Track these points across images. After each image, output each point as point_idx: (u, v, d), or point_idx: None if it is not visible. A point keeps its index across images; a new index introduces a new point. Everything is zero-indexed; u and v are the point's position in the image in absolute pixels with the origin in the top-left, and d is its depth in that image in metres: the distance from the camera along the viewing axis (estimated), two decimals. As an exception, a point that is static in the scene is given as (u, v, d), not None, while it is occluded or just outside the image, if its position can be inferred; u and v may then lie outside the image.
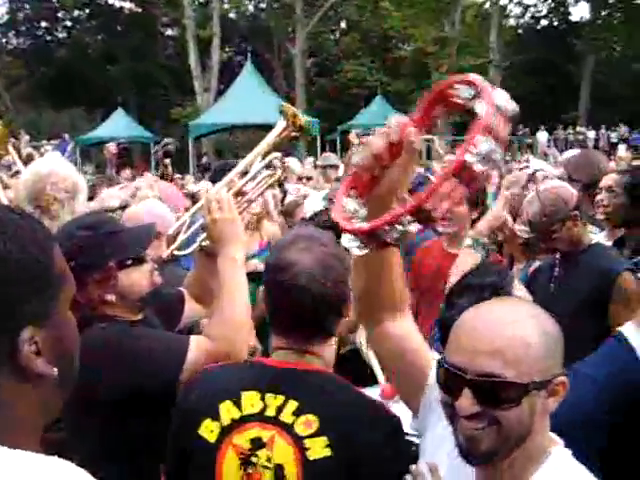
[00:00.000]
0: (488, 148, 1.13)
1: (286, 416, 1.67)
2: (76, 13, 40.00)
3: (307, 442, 1.64)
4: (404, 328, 1.67)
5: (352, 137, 7.29)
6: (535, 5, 37.88)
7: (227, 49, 38.20)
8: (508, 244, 3.87)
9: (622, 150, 19.77)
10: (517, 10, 37.43)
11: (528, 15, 38.10)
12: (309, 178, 6.61)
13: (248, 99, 21.84)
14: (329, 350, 1.83)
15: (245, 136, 28.48)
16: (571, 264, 3.20)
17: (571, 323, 3.11)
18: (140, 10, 38.87)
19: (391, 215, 1.22)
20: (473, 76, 1.31)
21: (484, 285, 1.92)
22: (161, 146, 7.46)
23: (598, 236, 3.48)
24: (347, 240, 1.31)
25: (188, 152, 22.70)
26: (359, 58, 34.70)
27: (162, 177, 7.55)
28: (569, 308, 2.96)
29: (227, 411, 1.71)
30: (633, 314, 2.04)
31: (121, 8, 39.99)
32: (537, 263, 3.64)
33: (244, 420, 1.70)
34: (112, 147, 11.83)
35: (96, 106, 32.59)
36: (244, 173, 2.64)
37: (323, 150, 19.96)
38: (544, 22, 39.01)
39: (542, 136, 26.52)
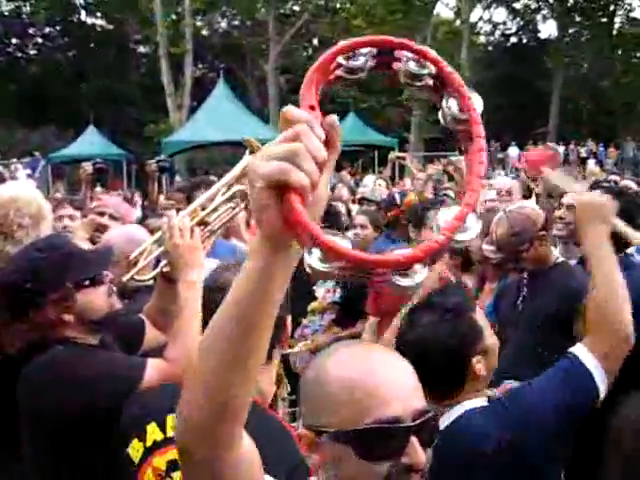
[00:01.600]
0: (474, 232, 1.03)
1: None
2: (47, 30, 39.75)
3: None
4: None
5: None
6: (504, 23, 38.52)
7: (200, 66, 38.21)
8: (480, 264, 3.90)
9: (592, 165, 20.09)
10: (487, 27, 38.03)
11: (498, 33, 38.71)
12: None
13: (221, 116, 21.86)
14: (266, 375, 1.84)
15: (219, 153, 28.44)
16: (538, 282, 3.25)
17: (538, 340, 3.16)
18: (112, 27, 38.77)
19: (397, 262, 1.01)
20: (420, 46, 1.14)
21: (447, 306, 1.99)
22: (155, 161, 7.37)
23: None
24: (316, 259, 1.00)
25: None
26: (332, 75, 34.85)
27: (146, 195, 7.44)
28: (536, 325, 3.00)
29: (152, 432, 1.77)
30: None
31: (93, 25, 39.85)
32: (508, 281, 3.68)
33: (166, 442, 1.74)
34: (88, 166, 11.57)
35: (68, 124, 32.35)
36: (208, 203, 2.67)
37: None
38: (514, 39, 39.65)
39: (513, 151, 26.84)
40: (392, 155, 9.39)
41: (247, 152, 2.73)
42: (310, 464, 1.22)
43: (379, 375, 1.19)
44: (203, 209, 2.65)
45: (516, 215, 3.24)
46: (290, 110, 0.91)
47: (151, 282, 2.69)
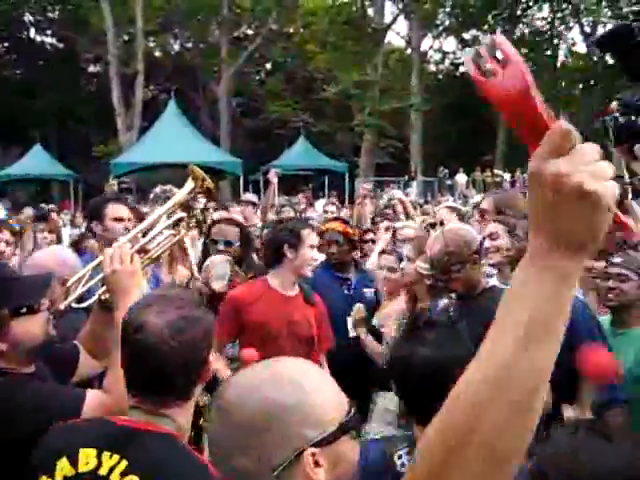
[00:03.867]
0: None
1: (115, 476, 1.67)
2: (-5, 46, 39.09)
3: None
4: None
5: (271, 176, 7.26)
6: (454, 52, 39.41)
7: (152, 87, 37.98)
8: (414, 283, 3.94)
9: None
10: (437, 56, 38.87)
11: (447, 61, 39.56)
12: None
13: (171, 138, 21.76)
14: (184, 413, 1.83)
15: (169, 174, 28.20)
16: (465, 307, 3.28)
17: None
18: (62, 46, 38.30)
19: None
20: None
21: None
22: (117, 182, 7.28)
23: (492, 279, 3.56)
24: None
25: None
26: (284, 99, 35.13)
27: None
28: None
29: (61, 469, 1.70)
30: None
31: (42, 43, 39.31)
32: (442, 303, 3.70)
33: (77, 478, 1.68)
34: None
35: (14, 142, 31.68)
36: (149, 230, 2.67)
37: (246, 190, 20.00)
38: (462, 69, 40.56)
39: (461, 178, 27.35)
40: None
41: (189, 179, 2.75)
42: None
43: (318, 372, 1.31)
44: (144, 236, 2.64)
45: (452, 235, 3.30)
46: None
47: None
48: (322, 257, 4.80)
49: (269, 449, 1.16)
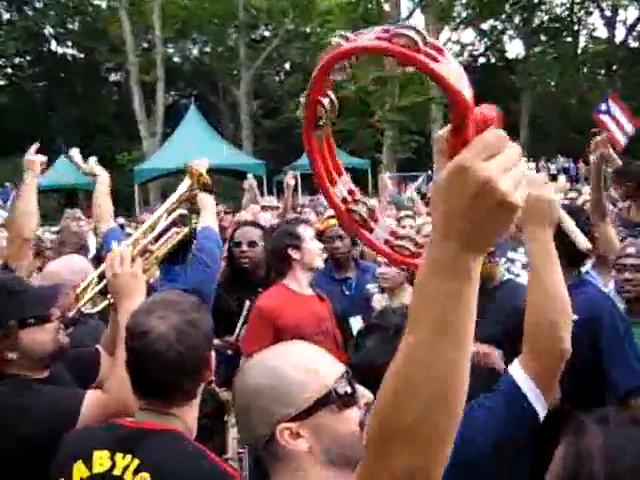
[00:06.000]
0: None
1: (128, 475, 1.73)
2: (17, 60, 39.60)
3: None
4: None
5: (288, 179, 7.27)
6: (472, 44, 39.14)
7: (172, 93, 38.25)
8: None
9: (562, 180, 20.34)
10: (456, 48, 38.59)
11: (466, 53, 39.28)
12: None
13: (193, 143, 21.84)
14: (190, 411, 1.90)
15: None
16: (484, 301, 3.24)
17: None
18: (83, 56, 38.73)
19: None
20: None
21: (388, 326, 2.08)
22: None
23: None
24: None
25: (134, 198, 22.49)
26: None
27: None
28: (485, 342, 2.98)
29: (78, 471, 1.77)
30: None
31: (64, 55, 39.80)
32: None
33: (93, 479, 1.75)
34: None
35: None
36: (150, 230, 2.72)
37: (270, 192, 20.04)
38: (482, 60, 40.29)
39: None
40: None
41: (186, 177, 2.80)
42: (296, 452, 1.37)
43: (312, 351, 1.47)
44: (146, 237, 2.69)
45: None
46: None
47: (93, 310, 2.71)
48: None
49: (254, 425, 1.39)
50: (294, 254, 3.87)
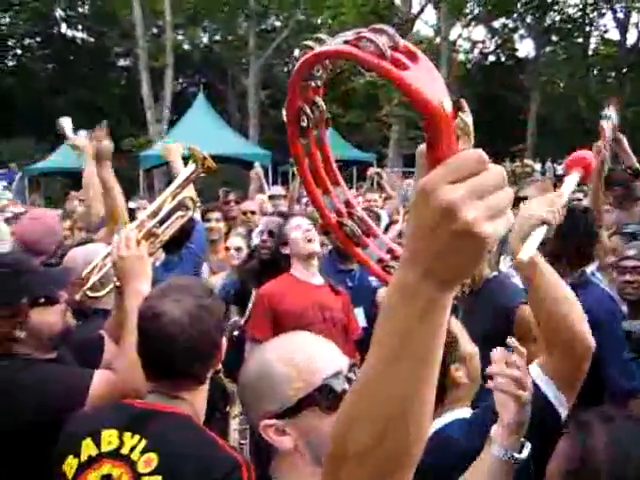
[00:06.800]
0: None
1: (135, 454, 1.76)
2: (27, 41, 39.52)
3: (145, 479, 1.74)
4: None
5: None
6: (483, 42, 38.96)
7: (181, 80, 38.16)
8: None
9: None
10: (466, 45, 38.45)
11: (476, 51, 39.13)
12: (252, 212, 6.51)
13: (200, 130, 21.78)
14: (199, 396, 1.93)
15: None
16: (471, 299, 3.23)
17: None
18: (92, 40, 38.64)
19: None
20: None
21: None
22: None
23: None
24: None
25: (139, 183, 22.49)
26: (312, 90, 34.98)
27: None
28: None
29: (86, 448, 1.80)
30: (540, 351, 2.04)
31: (73, 38, 39.69)
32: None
33: (101, 457, 1.78)
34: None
35: (45, 136, 32.09)
36: (155, 214, 2.74)
37: (275, 182, 20.03)
38: (492, 58, 40.11)
39: (491, 168, 27.07)
40: (371, 170, 9.39)
41: (190, 162, 2.82)
42: (281, 449, 1.37)
43: (310, 345, 1.45)
44: (151, 220, 2.70)
45: None
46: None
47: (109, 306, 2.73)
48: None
49: (250, 418, 1.45)
50: (284, 250, 4.08)
